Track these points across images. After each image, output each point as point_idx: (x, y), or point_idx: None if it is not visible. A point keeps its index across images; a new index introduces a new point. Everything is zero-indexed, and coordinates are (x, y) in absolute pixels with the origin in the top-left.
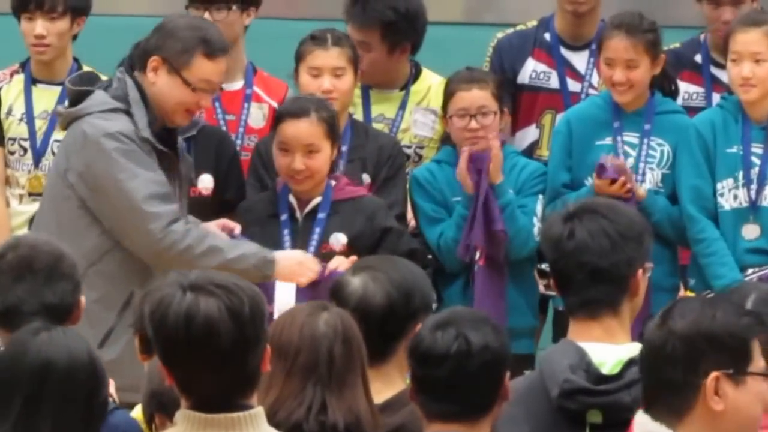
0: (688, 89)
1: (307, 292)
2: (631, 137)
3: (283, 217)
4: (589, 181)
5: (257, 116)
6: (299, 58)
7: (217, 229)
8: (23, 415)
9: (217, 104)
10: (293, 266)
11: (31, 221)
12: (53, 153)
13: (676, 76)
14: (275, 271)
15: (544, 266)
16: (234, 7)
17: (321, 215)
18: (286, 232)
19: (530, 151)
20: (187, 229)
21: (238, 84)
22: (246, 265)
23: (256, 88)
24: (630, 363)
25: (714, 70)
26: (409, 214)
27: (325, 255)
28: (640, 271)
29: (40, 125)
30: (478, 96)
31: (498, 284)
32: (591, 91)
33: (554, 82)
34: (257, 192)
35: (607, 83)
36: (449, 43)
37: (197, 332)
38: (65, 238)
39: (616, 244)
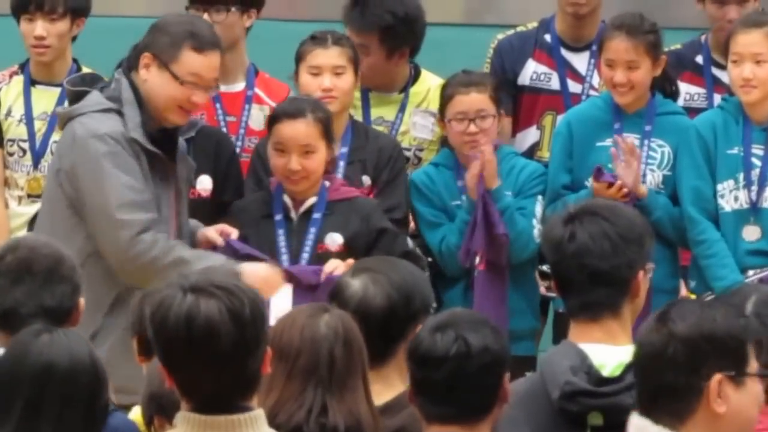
0: (689, 90)
1: (305, 296)
2: (632, 138)
3: (278, 217)
4: (589, 183)
5: (258, 118)
6: (299, 58)
7: (214, 233)
8: (25, 418)
9: (218, 105)
10: (258, 282)
11: (30, 223)
12: (52, 154)
13: (678, 77)
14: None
15: (545, 268)
16: (233, 9)
17: (316, 215)
18: (281, 232)
19: (531, 153)
20: (155, 239)
21: (239, 85)
22: None
23: (257, 90)
24: (631, 365)
25: (715, 71)
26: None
27: (320, 255)
28: (641, 272)
29: (40, 126)
30: (477, 99)
31: (499, 288)
32: (592, 92)
33: (555, 84)
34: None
35: (608, 84)
36: (449, 44)
37: (198, 334)
38: (58, 238)
39: (616, 246)
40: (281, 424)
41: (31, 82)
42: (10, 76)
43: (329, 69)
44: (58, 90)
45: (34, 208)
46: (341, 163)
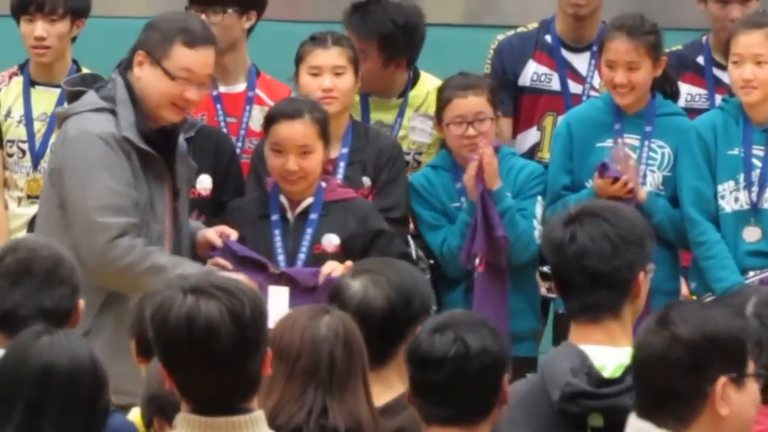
0: (690, 91)
1: (303, 298)
2: (632, 139)
3: (274, 217)
4: (590, 184)
5: (258, 119)
6: (299, 59)
7: (214, 234)
8: (26, 419)
9: (218, 106)
10: None
11: (30, 224)
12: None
13: (679, 78)
14: None
15: (546, 269)
16: (230, 11)
17: (313, 216)
18: (277, 232)
19: (531, 154)
20: (132, 245)
21: (240, 86)
22: None
23: (258, 91)
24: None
25: (716, 72)
26: None
27: (317, 256)
28: (642, 273)
29: (39, 127)
30: (475, 102)
31: (499, 290)
32: (592, 93)
33: (555, 84)
34: None
35: (608, 85)
36: (449, 44)
37: (198, 335)
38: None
39: (617, 248)
40: (281, 425)
41: (30, 83)
42: (10, 77)
43: (329, 69)
44: (57, 91)
45: (34, 209)
46: (341, 164)
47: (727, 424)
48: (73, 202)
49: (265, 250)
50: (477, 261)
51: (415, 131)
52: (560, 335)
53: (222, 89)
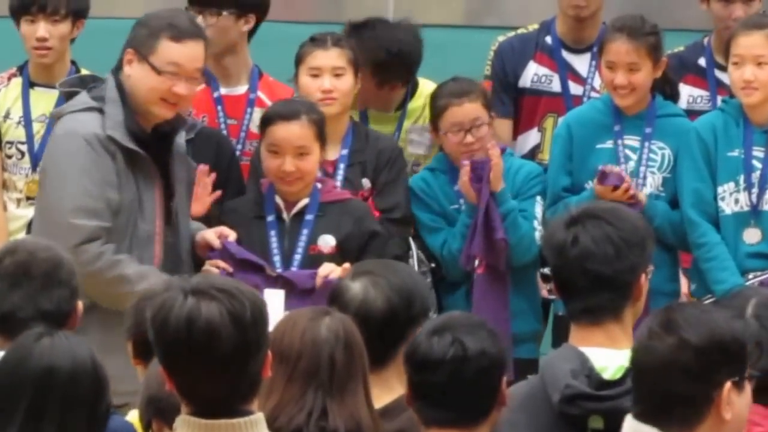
0: (692, 93)
1: (300, 301)
2: (632, 141)
3: (270, 218)
4: (590, 185)
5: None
6: (299, 60)
7: (213, 235)
8: (27, 421)
9: (219, 108)
10: None
11: (29, 225)
12: None
13: (680, 80)
14: None
15: (547, 271)
16: (225, 13)
17: (309, 217)
18: (273, 233)
19: (532, 155)
20: (101, 252)
21: (241, 88)
22: None
23: (260, 93)
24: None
25: (718, 74)
26: None
27: (313, 257)
28: (643, 276)
29: (38, 129)
30: (471, 109)
31: (499, 292)
32: (593, 94)
33: (556, 86)
34: None
35: (609, 86)
36: (450, 46)
37: (198, 336)
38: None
39: (620, 250)
40: (281, 427)
41: (29, 84)
42: (9, 79)
43: (329, 70)
44: (56, 92)
45: (33, 210)
46: (341, 166)
47: (728, 427)
48: (49, 201)
49: (260, 251)
50: (477, 263)
51: (413, 143)
52: (560, 337)
53: (223, 91)
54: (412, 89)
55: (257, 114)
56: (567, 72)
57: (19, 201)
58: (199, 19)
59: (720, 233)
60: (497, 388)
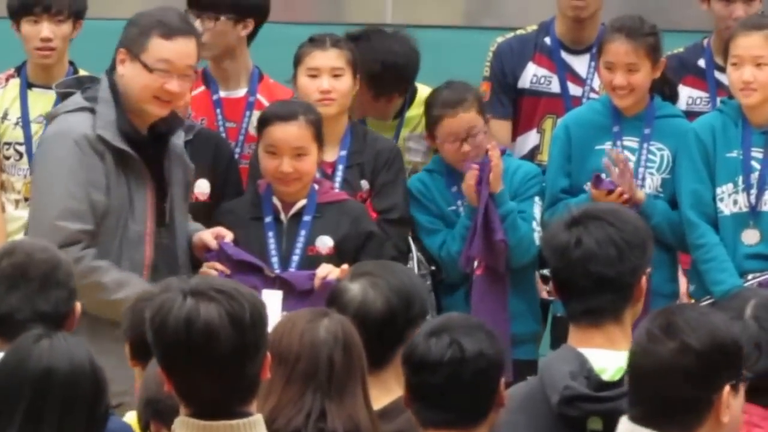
0: (692, 94)
1: (299, 302)
2: (631, 142)
3: (268, 219)
4: (588, 187)
5: None
6: (298, 61)
7: (209, 236)
8: (26, 423)
9: (218, 111)
10: None
11: (27, 227)
12: None
13: (680, 81)
14: None
15: (547, 272)
16: (222, 18)
17: (306, 218)
18: (270, 234)
19: (531, 156)
20: (80, 257)
21: (241, 91)
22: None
23: (259, 96)
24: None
25: (718, 75)
26: None
27: (311, 258)
28: (644, 277)
29: (36, 130)
30: (465, 119)
31: (498, 293)
32: (592, 95)
33: (555, 87)
34: None
35: (607, 87)
36: (448, 46)
37: (197, 337)
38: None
39: (622, 252)
40: (279, 428)
41: (27, 85)
42: (7, 80)
43: (327, 71)
44: (54, 93)
45: None
46: (340, 167)
47: (726, 429)
48: (35, 202)
49: (258, 252)
50: (476, 264)
51: (411, 151)
52: (558, 338)
53: (222, 94)
54: (410, 97)
55: (256, 117)
56: (566, 73)
57: (17, 202)
58: (197, 23)
59: (719, 234)
60: (495, 390)
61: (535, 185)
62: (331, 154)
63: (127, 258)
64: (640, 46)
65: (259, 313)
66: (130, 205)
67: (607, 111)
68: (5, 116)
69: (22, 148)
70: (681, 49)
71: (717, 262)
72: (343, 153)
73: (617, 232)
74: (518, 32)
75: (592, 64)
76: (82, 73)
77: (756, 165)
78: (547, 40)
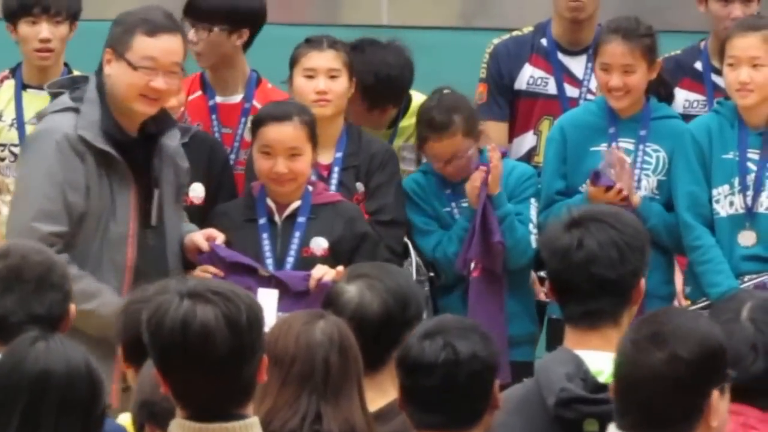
0: (688, 97)
1: (294, 303)
2: (627, 143)
3: (262, 221)
4: (584, 188)
5: None
6: (294, 61)
7: (201, 237)
8: (23, 425)
9: (213, 117)
10: None
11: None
12: None
13: (677, 84)
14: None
15: (544, 273)
16: (216, 29)
17: (301, 219)
18: (265, 236)
19: (528, 158)
20: None
21: (237, 97)
22: (95, 321)
23: (255, 102)
24: None
25: (715, 78)
26: None
27: (306, 260)
28: (642, 280)
29: (31, 131)
30: (449, 144)
31: (495, 295)
32: (589, 96)
33: (552, 88)
34: None
35: (603, 88)
36: (444, 48)
37: (193, 339)
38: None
39: (624, 255)
40: (275, 431)
41: (22, 87)
42: (1, 81)
43: (324, 72)
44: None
45: None
46: (336, 169)
47: None
48: (13, 202)
49: (253, 254)
50: (473, 266)
51: (405, 161)
52: (554, 340)
53: (218, 99)
54: (404, 107)
55: None
56: (563, 74)
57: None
58: (192, 32)
59: (715, 236)
60: (490, 392)
61: (530, 187)
62: (327, 157)
63: (108, 259)
64: (636, 47)
65: (255, 316)
66: (111, 206)
67: (603, 112)
68: (0, 117)
69: (17, 150)
70: (677, 52)
71: (713, 264)
72: (339, 155)
73: (619, 235)
74: (514, 33)
75: (589, 65)
76: (76, 73)
77: (752, 166)
78: (544, 41)
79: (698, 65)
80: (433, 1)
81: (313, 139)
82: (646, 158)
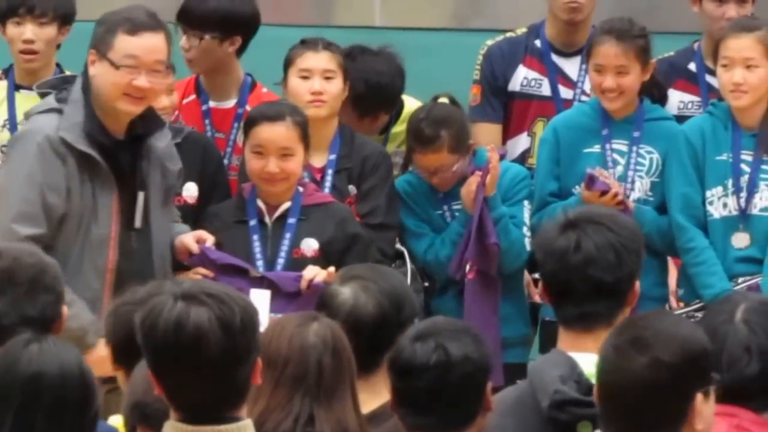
0: (683, 98)
1: (286, 304)
2: (620, 145)
3: (252, 222)
4: (578, 190)
5: None
6: (289, 63)
7: (191, 239)
8: (16, 427)
9: (207, 121)
10: (93, 359)
11: None
12: None
13: (671, 85)
14: (87, 350)
15: (537, 275)
16: (207, 37)
17: (291, 220)
18: (255, 237)
19: (522, 160)
20: None
21: (230, 102)
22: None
23: (248, 108)
24: None
25: (709, 79)
26: None
27: (296, 261)
28: (637, 283)
29: None
30: (434, 159)
31: (490, 297)
32: (583, 97)
33: (546, 90)
34: None
35: (597, 90)
36: (438, 49)
37: (186, 341)
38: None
39: (621, 257)
40: None
41: (14, 87)
42: None
43: (319, 73)
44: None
45: None
46: (329, 171)
47: None
48: None
49: (243, 255)
50: (467, 268)
51: (397, 167)
52: (548, 342)
53: (212, 104)
54: (396, 113)
55: None
56: (557, 75)
57: None
58: (184, 39)
59: (708, 238)
60: (482, 394)
61: (523, 188)
62: (320, 159)
63: (89, 261)
64: (629, 48)
65: (250, 318)
66: (93, 208)
67: (596, 114)
68: None
69: None
70: (671, 54)
71: (706, 266)
72: (332, 157)
73: (616, 237)
74: (508, 35)
75: (583, 66)
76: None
77: (746, 168)
78: (538, 42)
79: (692, 66)
80: (427, 2)
81: (306, 139)
82: (640, 160)
